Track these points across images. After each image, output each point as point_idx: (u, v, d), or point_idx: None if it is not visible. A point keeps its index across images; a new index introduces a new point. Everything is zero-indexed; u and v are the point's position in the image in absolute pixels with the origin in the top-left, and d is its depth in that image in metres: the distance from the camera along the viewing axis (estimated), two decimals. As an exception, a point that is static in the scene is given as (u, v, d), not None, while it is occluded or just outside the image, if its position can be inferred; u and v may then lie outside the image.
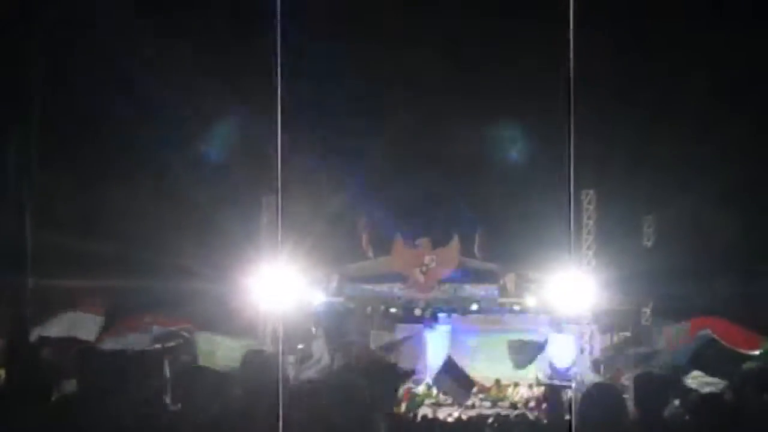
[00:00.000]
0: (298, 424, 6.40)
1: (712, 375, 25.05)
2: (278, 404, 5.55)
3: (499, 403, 32.15)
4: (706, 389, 21.90)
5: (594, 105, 22.66)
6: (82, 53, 28.64)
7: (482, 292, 36.04)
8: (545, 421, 23.63)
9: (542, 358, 32.10)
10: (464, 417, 27.19)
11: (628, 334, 34.27)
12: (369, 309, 36.46)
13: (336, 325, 36.04)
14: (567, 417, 21.22)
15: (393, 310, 36.68)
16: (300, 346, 32.19)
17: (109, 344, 24.38)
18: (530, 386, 34.43)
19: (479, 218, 35.39)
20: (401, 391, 26.58)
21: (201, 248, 30.71)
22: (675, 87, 31.32)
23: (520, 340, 32.54)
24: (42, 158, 25.76)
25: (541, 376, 35.06)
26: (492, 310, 36.01)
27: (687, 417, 6.71)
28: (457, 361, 30.65)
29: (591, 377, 30.56)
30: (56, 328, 25.96)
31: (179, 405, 9.71)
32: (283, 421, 5.19)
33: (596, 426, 6.37)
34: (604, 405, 6.44)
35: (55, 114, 27.13)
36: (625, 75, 31.71)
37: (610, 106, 29.22)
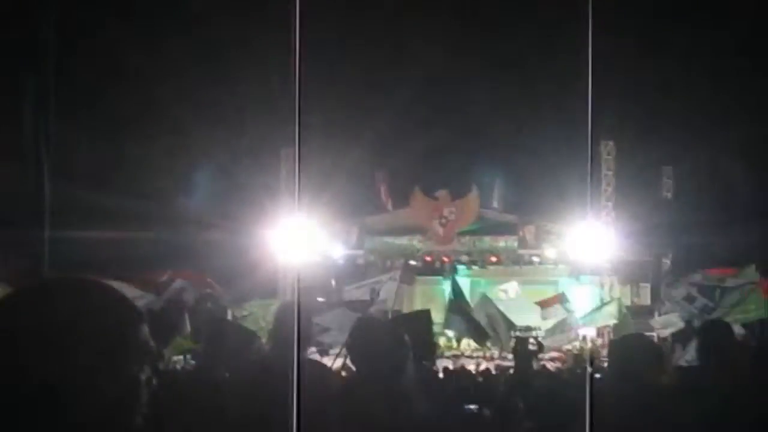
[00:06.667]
0: (317, 377, 6.36)
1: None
2: (296, 361, 5.50)
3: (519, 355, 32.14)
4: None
5: (614, 55, 22.49)
6: (99, 5, 28.55)
7: (501, 244, 36.02)
8: (565, 375, 23.55)
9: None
10: (483, 368, 27.18)
11: (647, 284, 34.25)
12: (388, 262, 36.48)
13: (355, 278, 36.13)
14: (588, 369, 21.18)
15: (412, 262, 36.71)
16: (320, 299, 32.25)
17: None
18: (550, 338, 34.52)
19: (498, 170, 35.30)
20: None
21: (220, 201, 30.71)
22: (696, 38, 31.10)
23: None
24: (59, 111, 25.70)
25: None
26: (511, 261, 36.02)
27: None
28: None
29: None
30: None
31: (199, 359, 9.70)
32: (299, 376, 5.14)
33: (625, 378, 6.31)
34: (637, 355, 6.37)
35: (72, 67, 27.07)
36: (646, 27, 31.48)
37: (630, 56, 29.01)
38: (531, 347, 27.95)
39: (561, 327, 31.72)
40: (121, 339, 2.32)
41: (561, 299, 33.68)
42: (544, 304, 34.15)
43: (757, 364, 6.29)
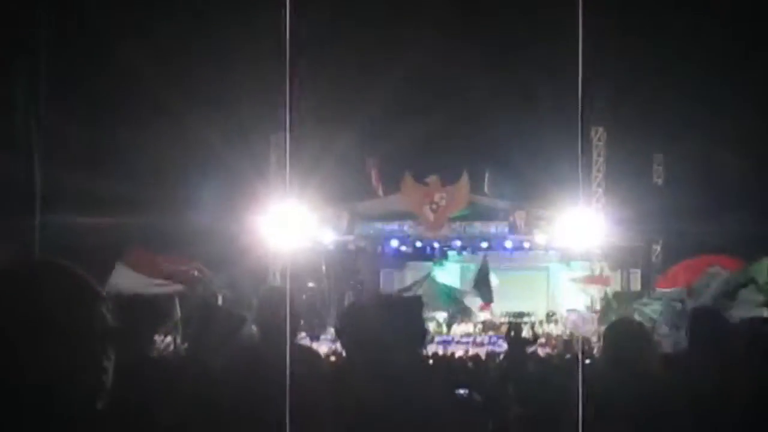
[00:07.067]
0: (307, 362, 6.36)
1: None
2: (287, 346, 5.49)
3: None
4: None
5: (605, 42, 22.48)
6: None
7: (492, 230, 36.07)
8: (555, 361, 23.58)
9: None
10: (473, 354, 27.21)
11: (638, 270, 34.34)
12: (379, 248, 36.51)
13: (346, 263, 36.12)
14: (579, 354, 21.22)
15: (403, 248, 36.73)
16: (310, 284, 32.27)
17: (118, 284, 24.35)
18: (541, 323, 34.56)
19: (489, 155, 35.29)
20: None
21: (210, 187, 30.66)
22: (689, 25, 31.08)
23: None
24: (50, 96, 25.63)
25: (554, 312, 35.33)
26: (502, 247, 36.08)
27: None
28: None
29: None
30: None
31: (189, 345, 9.68)
32: (292, 359, 5.13)
33: (616, 364, 6.33)
34: (628, 340, 6.39)
35: (63, 52, 26.98)
36: (638, 13, 31.46)
37: (621, 43, 29.00)
38: (525, 334, 28.05)
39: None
40: (78, 320, 2.28)
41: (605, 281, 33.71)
42: (588, 282, 34.09)
43: (749, 351, 6.28)
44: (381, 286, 36.79)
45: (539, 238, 35.05)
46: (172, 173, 31.16)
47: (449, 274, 38.12)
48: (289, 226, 27.45)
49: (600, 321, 30.07)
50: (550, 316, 35.19)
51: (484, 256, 34.74)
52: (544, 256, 36.45)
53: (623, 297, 32.31)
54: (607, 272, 33.77)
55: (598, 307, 32.30)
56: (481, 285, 33.67)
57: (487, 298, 33.25)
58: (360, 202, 36.23)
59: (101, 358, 2.30)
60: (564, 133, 23.84)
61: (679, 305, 25.28)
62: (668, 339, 23.98)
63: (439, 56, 33.17)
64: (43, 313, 2.23)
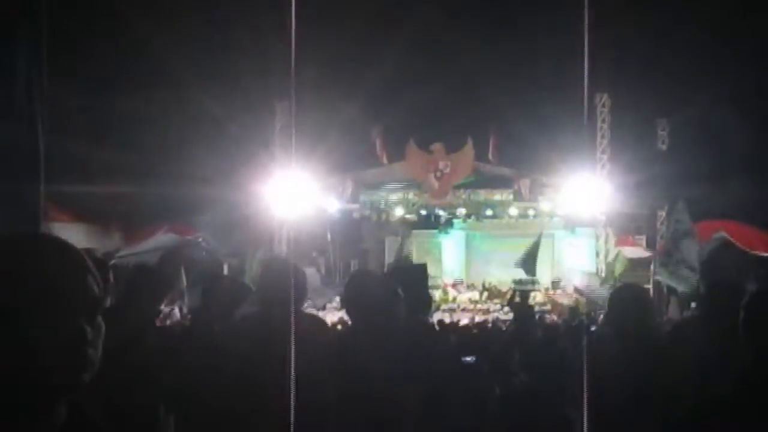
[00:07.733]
0: (312, 328, 6.37)
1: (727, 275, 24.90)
2: (291, 314, 5.49)
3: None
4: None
5: (609, 7, 22.39)
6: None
7: (497, 197, 36.02)
8: (561, 328, 23.58)
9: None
10: (479, 321, 27.22)
11: (643, 237, 34.30)
12: (384, 216, 36.45)
13: (350, 232, 36.12)
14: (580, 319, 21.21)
15: (408, 216, 36.69)
16: (314, 254, 32.28)
17: (123, 254, 24.35)
18: (546, 290, 34.57)
19: (493, 123, 35.17)
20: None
21: (214, 156, 30.61)
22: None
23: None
24: (53, 64, 25.60)
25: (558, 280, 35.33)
26: (506, 214, 36.03)
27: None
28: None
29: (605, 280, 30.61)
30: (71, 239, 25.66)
31: (194, 314, 9.69)
32: (297, 328, 5.13)
33: (623, 327, 6.32)
34: (633, 306, 6.39)
35: (66, 20, 26.88)
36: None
37: (625, 8, 28.87)
38: (531, 301, 28.07)
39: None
40: (62, 291, 2.25)
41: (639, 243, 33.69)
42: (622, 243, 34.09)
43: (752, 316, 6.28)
44: (386, 255, 36.82)
45: (544, 205, 35.01)
46: (176, 142, 31.12)
47: (454, 241, 38.17)
48: (293, 194, 27.47)
49: (605, 287, 30.04)
50: (555, 284, 35.22)
51: (540, 234, 34.42)
52: (549, 223, 36.41)
53: (628, 263, 32.29)
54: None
55: (603, 273, 32.29)
56: (528, 259, 33.58)
57: (531, 272, 33.27)
58: (364, 171, 36.15)
59: (85, 330, 2.27)
60: (568, 100, 23.81)
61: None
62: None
63: (443, 24, 33.07)
64: (22, 284, 2.21)
